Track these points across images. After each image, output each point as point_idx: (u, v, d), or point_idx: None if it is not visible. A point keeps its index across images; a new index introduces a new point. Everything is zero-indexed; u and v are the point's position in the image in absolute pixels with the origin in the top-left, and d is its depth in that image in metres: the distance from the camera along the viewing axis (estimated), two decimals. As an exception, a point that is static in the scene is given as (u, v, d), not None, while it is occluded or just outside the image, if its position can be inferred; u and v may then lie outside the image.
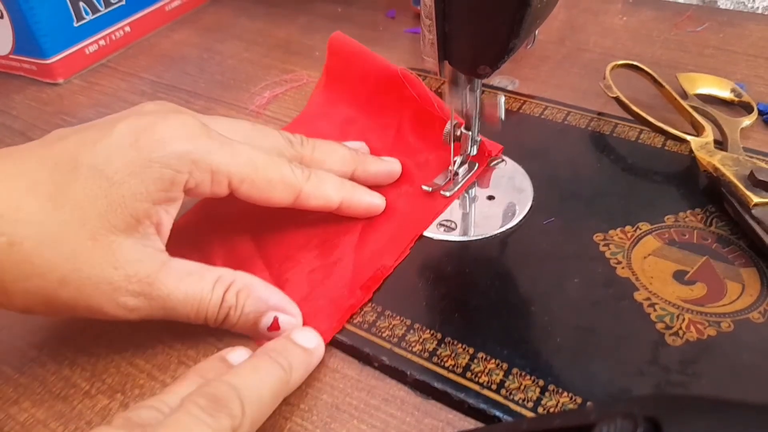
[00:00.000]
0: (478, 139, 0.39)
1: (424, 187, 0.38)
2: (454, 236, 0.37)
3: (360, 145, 0.41)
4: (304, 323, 0.32)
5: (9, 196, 0.27)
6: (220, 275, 0.31)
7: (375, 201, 0.37)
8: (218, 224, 0.38)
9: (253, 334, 0.32)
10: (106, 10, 0.59)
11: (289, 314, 0.31)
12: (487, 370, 0.29)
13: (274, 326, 0.31)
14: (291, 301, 0.32)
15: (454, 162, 0.39)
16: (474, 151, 0.39)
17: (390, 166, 0.40)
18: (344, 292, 0.33)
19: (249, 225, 0.37)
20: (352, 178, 0.37)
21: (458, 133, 0.38)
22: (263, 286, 0.32)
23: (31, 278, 0.27)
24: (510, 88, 0.50)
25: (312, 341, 0.30)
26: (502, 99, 0.36)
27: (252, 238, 0.37)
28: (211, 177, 0.30)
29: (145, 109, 0.31)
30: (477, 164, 0.40)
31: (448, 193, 0.38)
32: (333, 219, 0.37)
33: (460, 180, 0.39)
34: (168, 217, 0.29)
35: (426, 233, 0.37)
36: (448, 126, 0.38)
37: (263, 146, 0.34)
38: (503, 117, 0.36)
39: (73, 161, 0.27)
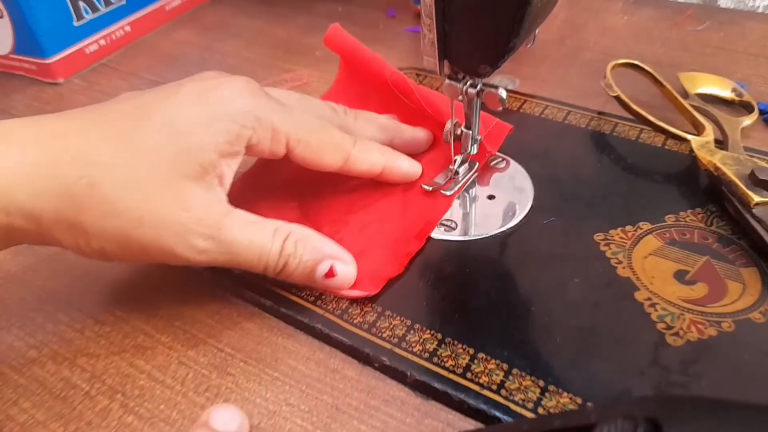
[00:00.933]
0: (479, 138, 0.38)
1: (425, 186, 0.38)
2: (455, 236, 0.37)
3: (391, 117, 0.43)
4: (362, 273, 0.34)
5: (86, 142, 0.28)
6: (279, 226, 0.32)
7: (414, 167, 0.39)
8: (267, 192, 0.39)
9: (310, 283, 0.33)
10: (107, 10, 0.59)
11: (345, 262, 0.33)
12: (487, 371, 0.29)
13: (330, 273, 0.32)
14: (345, 250, 0.34)
15: (455, 161, 0.39)
16: (474, 150, 0.39)
17: (424, 134, 0.41)
18: (399, 241, 0.35)
19: (295, 193, 0.39)
20: (390, 146, 0.39)
21: (458, 131, 0.38)
22: (318, 236, 0.33)
23: (110, 218, 0.28)
24: (510, 87, 0.50)
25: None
26: (503, 92, 0.36)
27: (299, 205, 0.39)
28: (272, 135, 0.32)
29: (206, 75, 0.33)
30: (477, 163, 0.40)
31: (448, 192, 0.38)
32: (372, 186, 0.39)
33: (460, 179, 0.39)
34: (229, 171, 0.31)
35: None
36: (448, 125, 0.38)
37: (313, 108, 0.36)
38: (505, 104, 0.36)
39: (146, 113, 0.29)
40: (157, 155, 0.29)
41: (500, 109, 0.35)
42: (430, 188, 0.38)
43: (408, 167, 0.39)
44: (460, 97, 0.36)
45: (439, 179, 0.39)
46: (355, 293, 0.33)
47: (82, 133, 0.29)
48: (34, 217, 0.28)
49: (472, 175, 0.40)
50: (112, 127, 0.29)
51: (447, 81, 0.36)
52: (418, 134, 0.41)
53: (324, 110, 0.38)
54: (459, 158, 0.39)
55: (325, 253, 0.33)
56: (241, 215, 0.31)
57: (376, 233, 0.36)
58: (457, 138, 0.38)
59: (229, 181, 0.32)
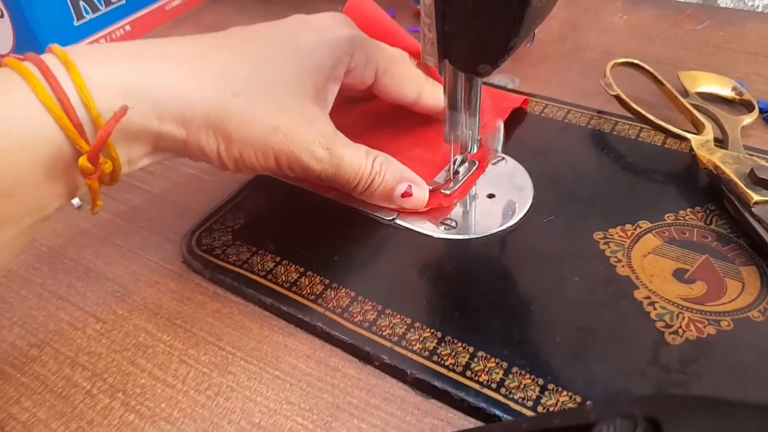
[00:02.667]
0: (479, 137, 0.39)
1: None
2: (455, 234, 0.37)
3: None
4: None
5: (224, 61, 0.32)
6: (368, 149, 0.36)
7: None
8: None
9: (388, 202, 0.37)
10: (107, 9, 0.59)
11: (420, 186, 0.37)
12: (487, 369, 0.29)
13: (407, 193, 0.36)
14: (420, 178, 0.38)
15: (455, 161, 0.39)
16: (475, 150, 0.39)
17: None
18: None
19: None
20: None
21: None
22: (397, 161, 0.37)
23: (251, 125, 0.32)
24: (510, 86, 0.50)
25: None
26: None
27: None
28: (366, 61, 0.35)
29: (300, 16, 0.37)
30: (477, 163, 0.40)
31: (448, 192, 0.38)
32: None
33: (460, 178, 0.39)
34: (331, 96, 0.35)
35: (426, 231, 0.37)
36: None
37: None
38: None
39: (270, 38, 0.33)
40: (285, 73, 0.32)
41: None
42: (430, 187, 0.38)
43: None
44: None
45: (439, 179, 0.39)
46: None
47: (221, 53, 0.32)
48: (185, 122, 0.30)
49: (472, 175, 0.40)
50: (244, 48, 0.33)
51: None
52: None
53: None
54: (459, 158, 0.39)
55: (404, 175, 0.37)
56: (343, 136, 0.35)
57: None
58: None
59: (329, 108, 0.35)
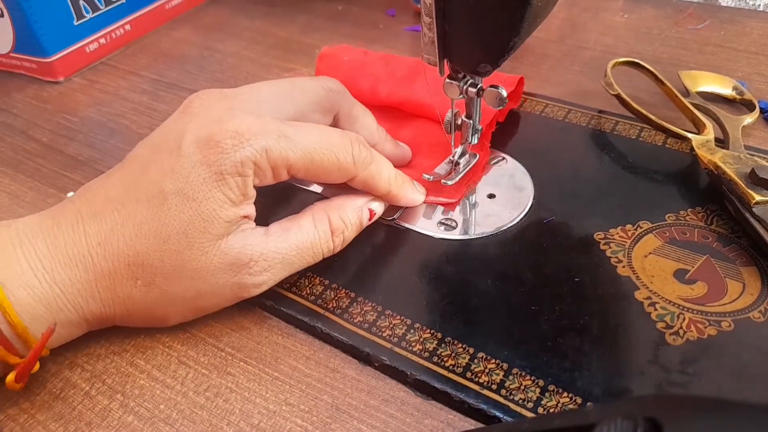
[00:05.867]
0: (480, 128, 0.38)
1: (425, 176, 0.38)
2: (455, 235, 0.37)
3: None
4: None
5: (126, 243, 0.30)
6: (312, 215, 0.34)
7: (418, 198, 0.38)
8: None
9: (361, 230, 0.36)
10: (107, 9, 0.59)
11: (374, 200, 0.36)
12: (487, 370, 0.29)
13: (371, 214, 0.36)
14: (363, 193, 0.36)
15: (455, 152, 0.39)
16: (475, 140, 0.38)
17: (403, 152, 0.42)
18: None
19: None
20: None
21: (459, 121, 0.38)
22: (342, 199, 0.36)
23: (173, 303, 0.32)
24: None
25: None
26: (504, 90, 0.36)
27: None
28: (273, 172, 0.32)
29: (196, 108, 0.33)
30: (478, 155, 0.40)
31: (450, 182, 0.38)
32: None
33: (461, 170, 0.39)
34: (251, 207, 0.32)
35: (426, 232, 0.37)
36: (448, 115, 0.38)
37: (306, 103, 0.36)
38: (506, 103, 0.36)
39: (160, 194, 0.30)
40: (187, 233, 0.30)
41: (500, 107, 0.35)
42: (431, 177, 0.38)
43: (412, 198, 0.37)
44: (461, 96, 0.36)
45: (440, 170, 0.39)
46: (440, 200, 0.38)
47: (120, 231, 0.30)
48: (107, 318, 0.32)
49: (475, 167, 0.40)
50: (140, 218, 0.30)
51: (447, 80, 0.36)
52: (398, 151, 0.41)
53: (319, 95, 0.37)
54: (459, 149, 0.39)
55: (359, 204, 0.35)
56: (276, 229, 0.33)
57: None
58: (458, 128, 0.38)
59: (253, 213, 0.33)
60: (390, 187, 0.36)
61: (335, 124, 0.38)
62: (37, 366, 0.30)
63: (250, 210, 0.32)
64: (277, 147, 0.31)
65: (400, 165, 0.40)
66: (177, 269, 0.30)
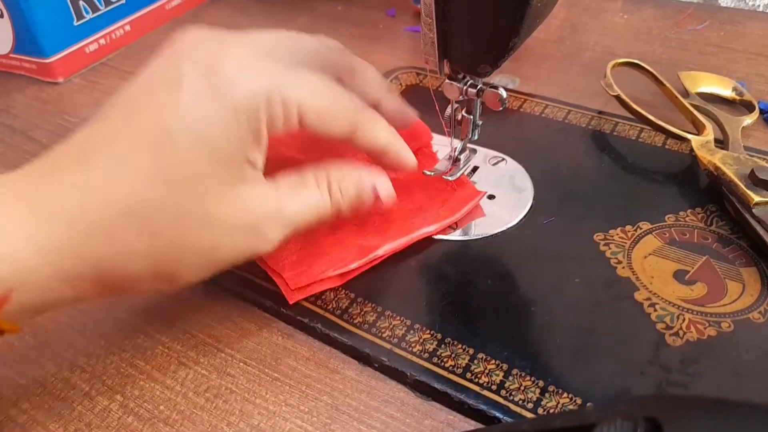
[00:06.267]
0: (480, 123, 0.38)
1: (426, 172, 0.38)
2: (455, 236, 0.37)
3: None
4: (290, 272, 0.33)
5: (123, 190, 0.26)
6: (315, 174, 0.31)
7: (412, 159, 0.35)
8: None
9: (361, 210, 0.33)
10: (106, 9, 0.59)
11: (381, 177, 0.33)
12: (487, 371, 0.29)
13: (376, 197, 0.32)
14: (373, 166, 0.33)
15: (455, 148, 0.39)
16: (476, 136, 0.38)
17: (407, 112, 0.38)
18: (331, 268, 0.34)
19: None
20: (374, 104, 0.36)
21: (459, 117, 0.38)
22: (348, 167, 0.32)
23: (186, 256, 0.28)
24: (510, 86, 0.50)
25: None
26: (503, 91, 0.36)
27: None
28: (284, 114, 0.29)
29: (190, 43, 0.29)
30: (477, 150, 0.40)
31: (451, 178, 0.38)
32: None
33: (461, 165, 0.39)
34: (261, 154, 0.29)
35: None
36: (448, 110, 0.38)
37: (306, 59, 0.34)
38: (506, 104, 0.35)
39: (165, 134, 0.27)
40: (202, 178, 0.27)
41: (500, 108, 0.35)
42: (432, 173, 0.38)
43: (407, 157, 0.35)
44: (461, 96, 0.36)
45: (440, 166, 0.39)
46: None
47: (114, 177, 0.26)
48: (106, 283, 0.27)
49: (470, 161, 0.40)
50: (141, 165, 0.27)
51: (447, 81, 0.36)
52: (408, 110, 0.37)
53: (320, 47, 0.35)
54: (459, 145, 0.39)
55: (362, 175, 0.32)
56: (286, 183, 0.31)
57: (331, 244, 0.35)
58: (458, 123, 0.38)
59: (262, 160, 0.30)
60: (389, 139, 0.33)
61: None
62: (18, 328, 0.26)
63: (261, 161, 0.30)
64: (287, 83, 0.29)
65: (401, 126, 0.37)
66: (189, 217, 0.27)
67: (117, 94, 0.28)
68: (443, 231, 0.37)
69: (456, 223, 0.37)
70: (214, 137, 0.27)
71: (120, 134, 0.27)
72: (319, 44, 0.35)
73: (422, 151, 0.40)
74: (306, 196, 0.31)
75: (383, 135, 0.33)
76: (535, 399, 0.28)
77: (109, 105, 0.28)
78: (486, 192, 0.39)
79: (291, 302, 0.33)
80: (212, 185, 0.28)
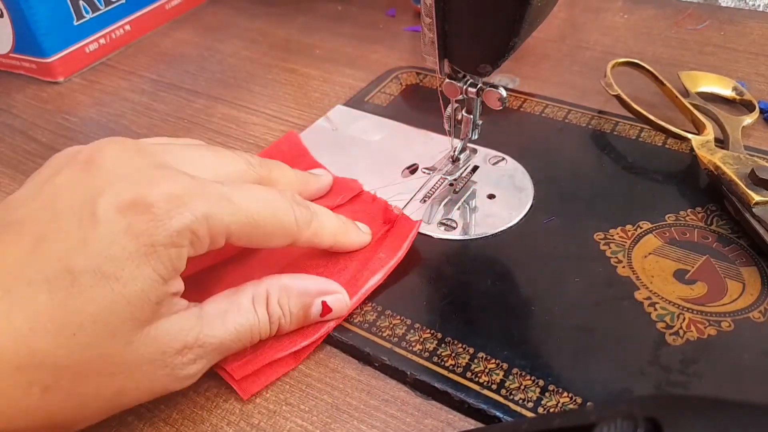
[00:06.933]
0: (480, 122, 0.38)
1: (425, 170, 0.38)
2: (455, 235, 0.37)
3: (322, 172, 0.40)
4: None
5: (14, 340, 0.23)
6: (253, 293, 0.29)
7: (365, 239, 0.35)
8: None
9: (307, 324, 0.31)
10: (106, 9, 0.59)
11: (334, 293, 0.31)
12: (487, 370, 0.29)
13: (326, 310, 0.31)
14: (327, 279, 0.32)
15: (455, 148, 0.39)
16: (476, 135, 0.38)
17: (324, 181, 0.38)
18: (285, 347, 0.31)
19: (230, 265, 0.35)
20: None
21: (459, 116, 0.38)
22: (295, 280, 0.31)
23: (85, 406, 0.26)
24: (510, 86, 0.50)
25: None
26: (503, 91, 0.36)
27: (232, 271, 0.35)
28: (210, 240, 0.27)
29: (108, 162, 0.27)
30: (477, 150, 0.40)
31: (450, 178, 0.38)
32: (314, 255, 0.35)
33: (461, 165, 0.39)
34: (180, 283, 0.27)
35: (426, 232, 0.37)
36: (448, 109, 0.38)
37: (228, 173, 0.31)
38: (506, 104, 0.35)
39: (67, 274, 0.24)
40: (105, 320, 0.24)
41: (500, 108, 0.35)
42: (429, 172, 0.38)
43: (360, 240, 0.35)
44: (461, 96, 0.36)
45: (440, 165, 0.39)
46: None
47: (12, 334, 0.23)
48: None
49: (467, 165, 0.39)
50: (39, 307, 0.24)
51: (447, 80, 0.36)
52: (324, 181, 0.38)
53: (239, 166, 0.32)
54: (459, 144, 0.39)
55: (311, 293, 0.31)
56: (212, 309, 0.28)
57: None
58: (458, 123, 0.38)
59: (181, 288, 0.27)
60: (335, 238, 0.33)
61: None
62: None
63: (180, 286, 0.27)
64: (218, 212, 0.27)
65: (324, 193, 0.38)
66: (91, 366, 0.24)
67: (11, 210, 0.26)
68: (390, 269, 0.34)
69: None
70: (124, 276, 0.24)
71: (15, 273, 0.24)
72: (242, 160, 0.33)
73: (360, 197, 0.38)
74: (238, 320, 0.28)
75: (327, 235, 0.32)
76: (535, 398, 0.28)
77: (6, 227, 0.26)
78: (422, 220, 0.37)
79: (245, 398, 0.30)
80: (118, 327, 0.25)
